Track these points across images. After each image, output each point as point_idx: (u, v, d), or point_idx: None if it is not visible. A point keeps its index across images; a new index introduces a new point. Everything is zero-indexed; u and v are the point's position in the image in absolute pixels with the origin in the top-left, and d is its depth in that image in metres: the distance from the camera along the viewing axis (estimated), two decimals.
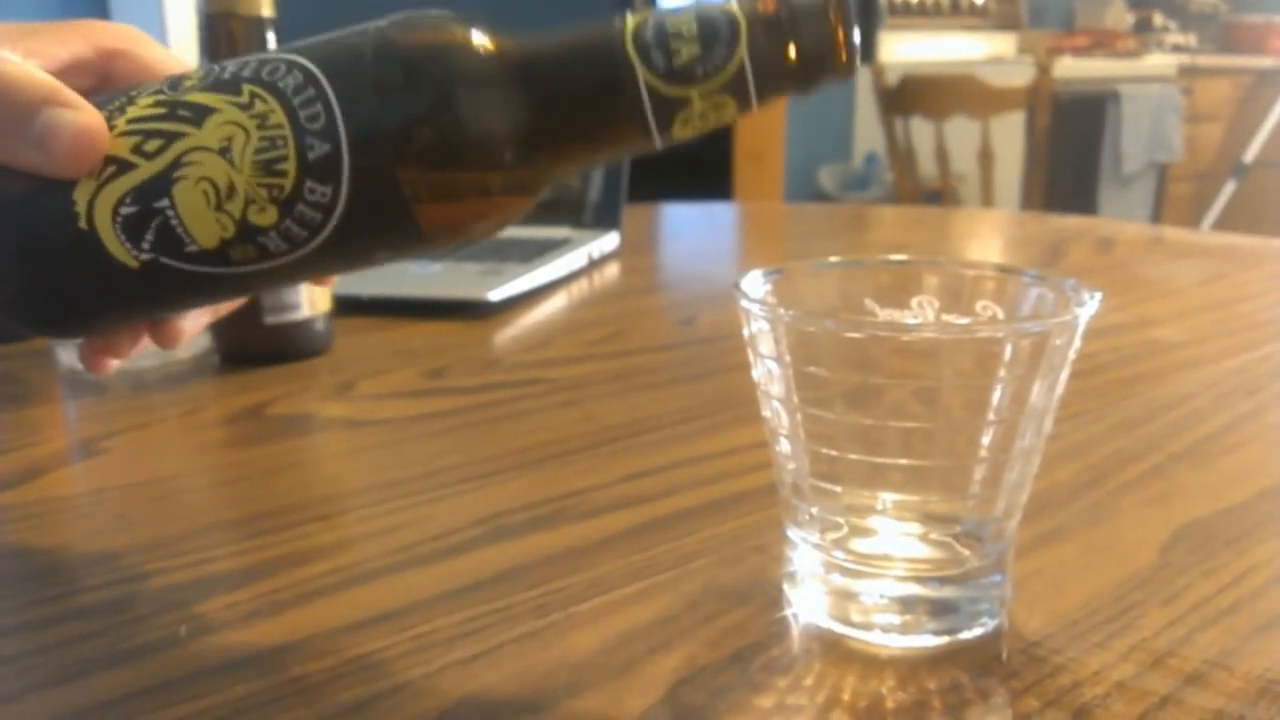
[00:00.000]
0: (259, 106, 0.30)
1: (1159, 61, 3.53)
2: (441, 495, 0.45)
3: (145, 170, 0.31)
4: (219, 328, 0.64)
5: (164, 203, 0.31)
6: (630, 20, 0.30)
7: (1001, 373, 0.31)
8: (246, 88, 0.31)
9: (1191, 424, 0.53)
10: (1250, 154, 3.22)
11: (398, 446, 0.52)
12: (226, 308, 0.40)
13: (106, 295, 0.33)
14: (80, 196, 0.31)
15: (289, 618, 0.35)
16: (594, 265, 0.94)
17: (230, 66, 0.32)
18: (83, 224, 0.31)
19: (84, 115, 0.31)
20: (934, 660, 0.32)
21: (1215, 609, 0.35)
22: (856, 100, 3.58)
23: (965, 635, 0.33)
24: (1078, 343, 0.32)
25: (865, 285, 0.37)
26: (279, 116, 0.30)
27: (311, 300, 0.64)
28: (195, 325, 0.39)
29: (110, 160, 0.31)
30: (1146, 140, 3.27)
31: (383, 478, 0.47)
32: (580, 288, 0.87)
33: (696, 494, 0.45)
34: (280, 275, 0.32)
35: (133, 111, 0.32)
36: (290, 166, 0.30)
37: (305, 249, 0.31)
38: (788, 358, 0.32)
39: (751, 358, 0.34)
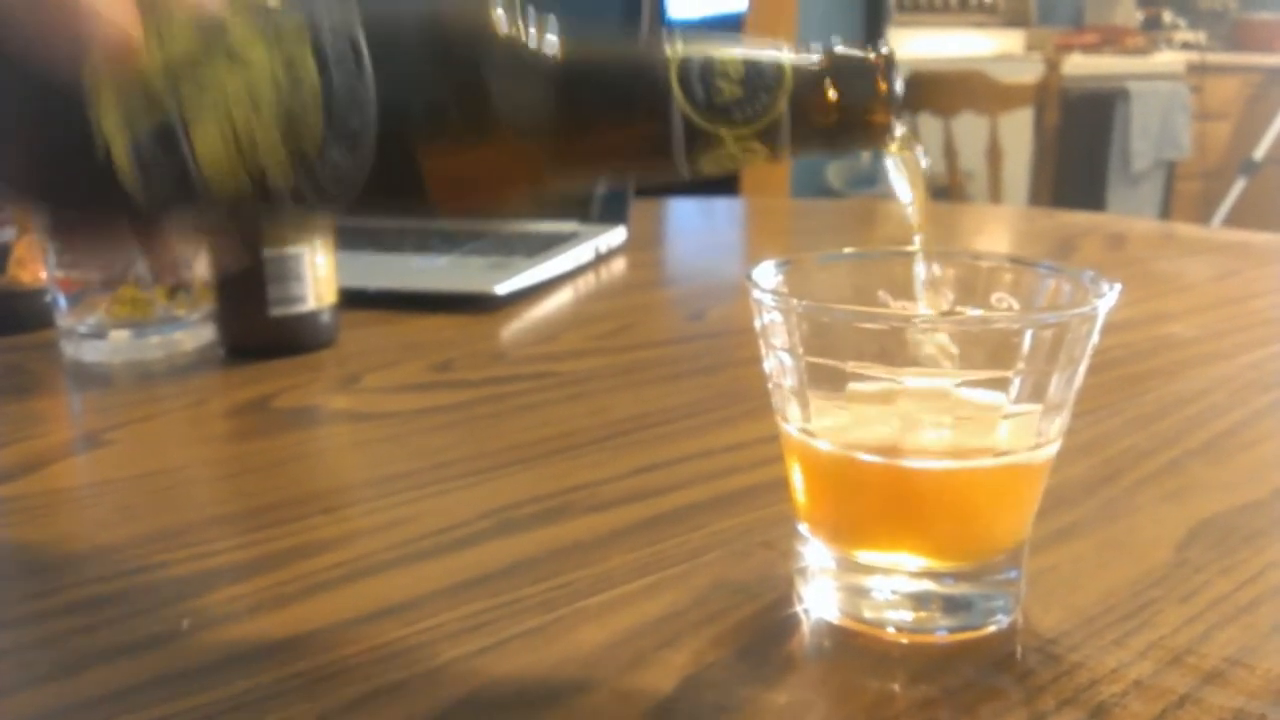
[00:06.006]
0: (299, 66, 0.30)
1: (1168, 59, 3.51)
2: (448, 488, 0.45)
3: (171, 105, 0.31)
4: (224, 320, 0.64)
5: (182, 139, 0.31)
6: (681, 47, 0.30)
7: (1020, 365, 0.30)
8: (291, 43, 0.30)
9: (1207, 420, 0.52)
10: (1260, 151, 3.20)
11: (404, 439, 0.51)
12: (219, 241, 0.40)
13: (102, 206, 0.33)
14: (102, 110, 0.31)
15: (293, 611, 0.35)
16: (601, 259, 0.93)
17: (281, 15, 0.31)
18: (97, 139, 0.31)
19: (123, 22, 0.31)
20: (947, 657, 0.32)
21: (1234, 606, 0.34)
22: None
23: (979, 632, 0.33)
24: (1096, 335, 0.31)
25: (878, 277, 0.36)
26: (315, 80, 0.30)
27: (317, 293, 0.64)
28: (189, 253, 0.38)
29: (140, 84, 0.31)
30: (1155, 138, 3.26)
31: (388, 471, 0.47)
32: (587, 282, 0.86)
33: (705, 488, 0.44)
34: (280, 220, 0.33)
35: (173, 41, 0.31)
36: (317, 132, 0.30)
37: (313, 208, 0.31)
38: (800, 349, 0.32)
39: (763, 349, 0.34)
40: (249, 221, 0.33)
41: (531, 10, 0.31)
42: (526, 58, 0.30)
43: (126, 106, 0.31)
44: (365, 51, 0.30)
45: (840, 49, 0.30)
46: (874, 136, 0.31)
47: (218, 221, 0.33)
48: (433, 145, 0.30)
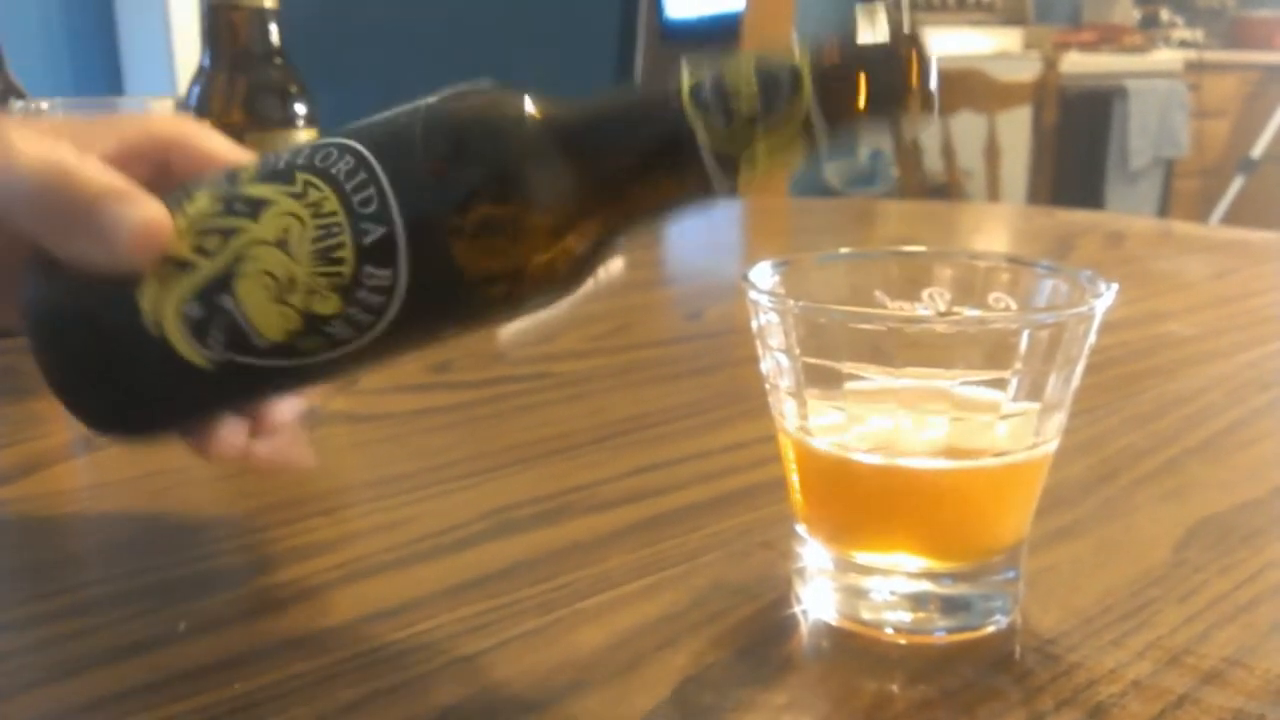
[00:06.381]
0: (313, 195, 0.30)
1: (1166, 57, 3.51)
2: (446, 490, 0.45)
3: (206, 269, 0.31)
4: None
5: (227, 300, 0.31)
6: (686, 76, 0.29)
7: (1017, 365, 0.30)
8: (300, 176, 0.31)
9: (1205, 419, 0.52)
10: (1258, 149, 3.20)
11: (402, 441, 0.51)
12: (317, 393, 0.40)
13: (180, 395, 0.33)
14: (145, 298, 0.31)
15: (290, 614, 0.35)
16: None
17: (285, 155, 0.32)
18: (150, 326, 0.31)
19: (146, 209, 0.31)
20: (946, 658, 0.32)
21: (1233, 605, 0.34)
22: None
23: (977, 632, 0.33)
24: (1094, 335, 0.31)
25: (875, 277, 0.36)
26: (333, 204, 0.30)
27: None
28: (290, 411, 0.38)
29: (172, 260, 0.31)
30: (1153, 136, 3.26)
31: (387, 472, 0.47)
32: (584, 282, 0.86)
33: (703, 489, 0.44)
34: (351, 361, 0.32)
35: (191, 208, 0.32)
36: (347, 253, 0.30)
37: (372, 333, 0.31)
38: (797, 350, 0.32)
39: (760, 350, 0.34)
40: (317, 363, 0.32)
41: (531, 86, 0.31)
42: (539, 134, 0.30)
43: (166, 280, 0.31)
44: (374, 162, 0.30)
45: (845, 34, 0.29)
46: (912, 105, 0.29)
47: (286, 371, 0.32)
48: (464, 238, 0.30)
